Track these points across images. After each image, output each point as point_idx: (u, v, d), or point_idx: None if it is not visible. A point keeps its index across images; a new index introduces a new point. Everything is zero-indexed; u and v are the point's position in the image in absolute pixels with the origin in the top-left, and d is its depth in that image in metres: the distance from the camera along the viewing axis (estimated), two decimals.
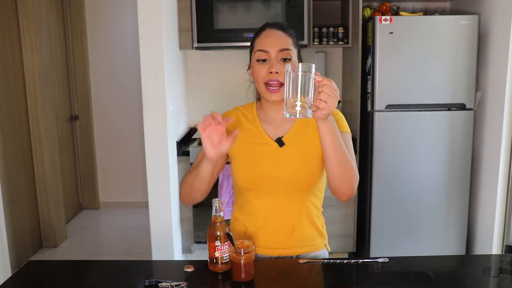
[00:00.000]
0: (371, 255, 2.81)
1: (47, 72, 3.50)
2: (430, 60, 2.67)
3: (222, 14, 2.84)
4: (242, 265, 1.22)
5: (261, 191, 1.38)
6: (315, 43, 2.97)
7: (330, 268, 1.35)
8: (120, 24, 4.27)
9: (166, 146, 2.61)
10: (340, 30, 2.95)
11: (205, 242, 1.31)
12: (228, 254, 1.27)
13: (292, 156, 1.37)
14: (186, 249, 2.95)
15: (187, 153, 2.82)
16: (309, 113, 1.15)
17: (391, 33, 2.64)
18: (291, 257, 1.43)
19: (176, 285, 1.22)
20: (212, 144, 1.24)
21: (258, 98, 1.49)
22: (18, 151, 3.29)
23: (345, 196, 1.30)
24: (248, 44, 1.45)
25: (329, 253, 1.51)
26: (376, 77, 2.68)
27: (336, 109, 1.43)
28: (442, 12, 3.05)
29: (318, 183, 1.40)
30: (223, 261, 1.27)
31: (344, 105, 3.26)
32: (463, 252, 2.84)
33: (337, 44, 2.97)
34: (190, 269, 1.32)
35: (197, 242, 2.95)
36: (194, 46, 2.87)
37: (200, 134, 1.24)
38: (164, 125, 2.58)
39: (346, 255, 3.01)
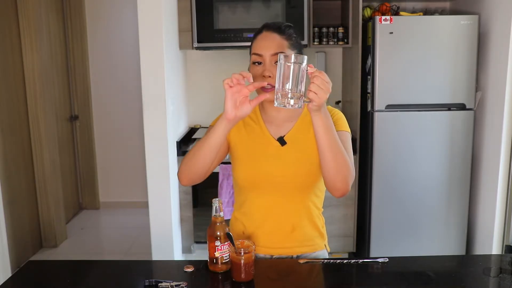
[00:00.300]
0: (371, 255, 2.81)
1: (47, 72, 3.50)
2: (430, 60, 2.67)
3: (222, 14, 2.84)
4: (242, 265, 1.22)
5: (262, 189, 1.38)
6: (315, 43, 2.97)
7: (330, 268, 1.35)
8: (120, 24, 4.27)
9: (166, 146, 2.61)
10: (340, 30, 2.95)
11: (205, 242, 1.31)
12: (228, 254, 1.27)
13: (293, 155, 1.37)
14: (186, 249, 2.95)
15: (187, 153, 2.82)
16: (299, 104, 1.14)
17: (391, 33, 2.64)
18: (291, 257, 1.43)
19: (176, 285, 1.22)
20: (234, 104, 1.21)
21: None
22: (18, 151, 3.29)
23: (339, 192, 1.28)
24: (248, 44, 1.44)
25: (329, 253, 1.51)
26: (376, 77, 2.68)
27: (336, 109, 1.43)
28: (442, 12, 3.05)
29: (319, 183, 1.40)
30: (223, 261, 1.27)
31: (344, 105, 3.26)
32: (463, 252, 2.84)
33: (337, 44, 2.97)
34: (190, 269, 1.32)
35: (197, 242, 2.95)
36: (194, 46, 2.87)
37: (225, 91, 1.21)
38: (164, 125, 2.58)
39: (346, 255, 3.01)
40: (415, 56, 2.66)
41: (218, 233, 1.26)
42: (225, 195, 2.69)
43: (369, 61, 2.75)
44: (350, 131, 1.40)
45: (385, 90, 2.70)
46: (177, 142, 2.79)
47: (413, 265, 1.40)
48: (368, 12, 2.95)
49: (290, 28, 1.37)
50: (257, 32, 1.38)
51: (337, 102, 3.31)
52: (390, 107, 2.72)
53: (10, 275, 2.54)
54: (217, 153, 1.31)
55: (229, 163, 1.49)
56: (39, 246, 3.56)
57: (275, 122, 1.41)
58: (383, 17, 2.62)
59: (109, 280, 1.34)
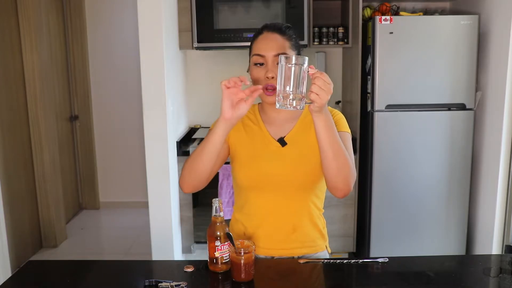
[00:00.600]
0: (371, 255, 2.81)
1: (47, 72, 3.50)
2: (430, 60, 2.67)
3: (222, 14, 2.84)
4: (242, 265, 1.22)
5: (262, 190, 1.38)
6: (315, 43, 2.97)
7: (330, 268, 1.35)
8: (120, 24, 4.27)
9: (166, 146, 2.61)
10: (340, 30, 2.95)
11: (205, 242, 1.31)
12: (228, 254, 1.27)
13: (294, 156, 1.37)
14: (186, 249, 2.95)
15: (187, 153, 2.82)
16: (301, 105, 1.14)
17: (391, 33, 2.64)
18: (292, 258, 1.42)
19: (176, 285, 1.22)
20: (231, 104, 1.24)
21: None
22: (18, 151, 3.29)
23: (341, 192, 1.28)
24: (248, 44, 1.44)
25: (329, 253, 1.51)
26: (376, 77, 2.68)
27: (336, 109, 1.43)
28: (442, 12, 3.05)
29: (320, 183, 1.39)
30: (223, 261, 1.27)
31: (344, 105, 3.26)
32: (463, 252, 2.84)
33: (337, 44, 2.97)
34: (190, 269, 1.32)
35: (197, 242, 2.95)
36: (194, 46, 2.87)
37: (222, 91, 1.23)
38: (164, 125, 2.58)
39: (346, 255, 3.01)
40: (415, 56, 2.66)
41: (218, 233, 1.25)
42: (225, 195, 2.69)
43: (369, 61, 2.75)
44: (350, 132, 1.40)
45: (385, 90, 2.70)
46: (177, 142, 2.79)
47: (413, 265, 1.39)
48: (368, 12, 2.95)
49: (290, 29, 1.37)
50: (257, 33, 1.38)
51: (337, 102, 3.31)
52: (390, 107, 2.72)
53: (10, 275, 2.54)
54: (217, 156, 1.31)
55: (229, 163, 1.49)
56: (39, 246, 3.56)
57: (275, 123, 1.41)
58: (383, 17, 2.62)
59: (109, 280, 1.34)
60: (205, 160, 1.29)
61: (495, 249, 2.64)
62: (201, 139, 3.01)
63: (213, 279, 1.28)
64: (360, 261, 1.38)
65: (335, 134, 1.24)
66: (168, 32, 2.63)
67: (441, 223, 2.81)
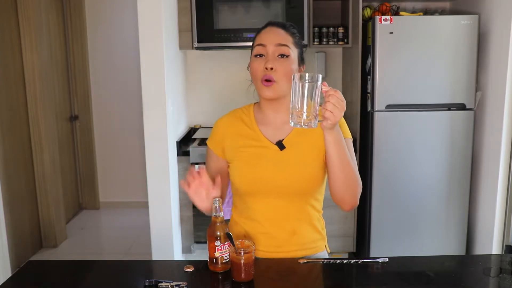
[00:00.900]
0: (371, 255, 2.81)
1: (47, 72, 3.50)
2: (430, 60, 2.67)
3: (222, 14, 2.84)
4: (242, 265, 1.22)
5: (261, 195, 1.37)
6: (315, 43, 2.97)
7: (330, 268, 1.35)
8: (120, 24, 4.27)
9: (166, 146, 2.60)
10: (340, 30, 2.95)
11: (205, 242, 1.31)
12: (228, 254, 1.27)
13: (293, 160, 1.35)
14: (186, 249, 2.95)
15: (187, 153, 2.82)
16: (315, 123, 1.15)
17: (391, 33, 2.64)
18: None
19: (176, 285, 1.22)
20: (201, 199, 1.25)
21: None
22: (18, 151, 3.29)
23: (348, 206, 1.30)
24: (248, 44, 1.45)
25: (329, 253, 1.51)
26: (376, 77, 2.68)
27: None
28: (442, 12, 3.05)
29: (320, 187, 1.39)
30: (223, 261, 1.27)
31: None
32: (463, 252, 2.84)
33: (337, 44, 2.97)
34: (190, 269, 1.32)
35: (197, 242, 2.95)
36: (194, 46, 2.87)
37: (187, 192, 1.24)
38: (164, 125, 2.58)
39: (346, 255, 3.01)
40: (415, 56, 2.66)
41: (218, 233, 1.25)
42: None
43: (369, 61, 2.75)
44: (351, 137, 1.40)
45: (385, 90, 2.70)
46: (177, 142, 2.79)
47: (413, 265, 1.39)
48: (368, 12, 2.95)
49: (293, 27, 1.39)
50: (261, 28, 1.39)
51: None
52: (390, 107, 2.72)
53: (10, 275, 2.54)
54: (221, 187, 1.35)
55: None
56: (39, 246, 3.56)
57: (273, 125, 1.39)
58: (383, 17, 2.62)
59: (109, 280, 1.34)
60: None
61: (495, 249, 2.64)
62: (201, 139, 3.01)
63: (213, 279, 1.28)
64: (360, 261, 1.38)
65: (345, 150, 1.25)
66: (168, 32, 2.63)
67: (441, 223, 2.81)
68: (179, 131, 2.99)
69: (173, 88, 2.78)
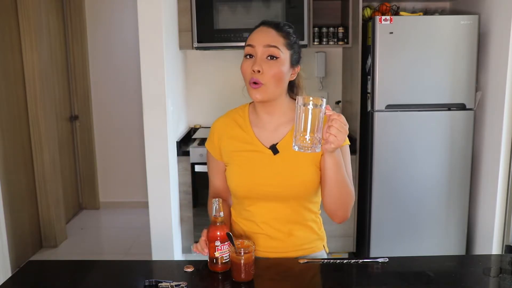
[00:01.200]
0: (371, 255, 2.81)
1: (47, 72, 3.49)
2: (430, 60, 2.67)
3: (222, 14, 2.84)
4: (242, 265, 1.22)
5: (256, 198, 1.36)
6: (315, 43, 2.97)
7: (330, 268, 1.35)
8: (120, 24, 4.27)
9: (166, 146, 2.61)
10: (340, 30, 2.95)
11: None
12: (228, 254, 1.27)
13: (287, 164, 1.33)
14: (186, 249, 2.95)
15: (187, 153, 2.82)
16: (318, 147, 1.15)
17: (391, 33, 2.64)
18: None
19: (176, 285, 1.22)
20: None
21: None
22: (18, 151, 3.29)
23: (340, 219, 1.32)
24: None
25: (329, 253, 1.51)
26: (376, 77, 2.68)
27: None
28: (442, 12, 3.05)
29: (317, 191, 1.38)
30: (223, 261, 1.27)
31: (344, 105, 3.26)
32: (463, 252, 2.84)
33: (337, 44, 2.97)
34: (190, 269, 1.32)
35: (197, 242, 2.93)
36: (194, 46, 2.87)
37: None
38: (164, 125, 2.58)
39: (346, 255, 3.01)
40: (415, 56, 2.66)
41: (218, 233, 1.25)
42: None
43: (369, 61, 2.75)
44: (349, 142, 1.39)
45: (385, 90, 2.70)
46: (177, 142, 2.79)
47: (413, 265, 1.39)
48: (368, 12, 2.95)
49: (289, 27, 1.34)
50: (254, 27, 1.36)
51: (337, 102, 3.31)
52: (390, 107, 2.72)
53: (10, 275, 2.54)
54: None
55: None
56: (39, 246, 3.56)
57: (267, 128, 1.37)
58: (383, 17, 2.62)
59: (109, 280, 1.34)
60: None
61: (495, 249, 2.64)
62: (201, 139, 3.01)
63: (213, 279, 1.28)
64: (360, 261, 1.38)
65: (343, 171, 1.27)
66: (168, 32, 2.63)
67: (441, 223, 2.81)
68: (179, 131, 2.99)
69: (173, 88, 2.78)
